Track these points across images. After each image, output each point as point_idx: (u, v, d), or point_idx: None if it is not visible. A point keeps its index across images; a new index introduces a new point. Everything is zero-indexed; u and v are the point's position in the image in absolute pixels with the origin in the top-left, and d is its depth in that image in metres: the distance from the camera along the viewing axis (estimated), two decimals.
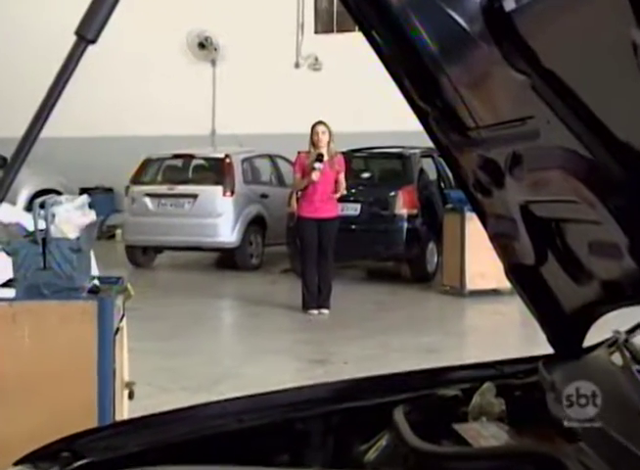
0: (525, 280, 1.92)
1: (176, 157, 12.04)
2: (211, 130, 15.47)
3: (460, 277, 9.08)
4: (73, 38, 1.19)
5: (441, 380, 1.99)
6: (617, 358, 1.72)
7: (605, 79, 1.28)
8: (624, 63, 1.15)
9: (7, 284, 3.03)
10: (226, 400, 1.94)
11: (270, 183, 12.28)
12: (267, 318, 8.30)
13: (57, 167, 13.87)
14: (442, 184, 10.74)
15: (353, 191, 9.79)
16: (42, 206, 2.90)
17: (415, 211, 10.04)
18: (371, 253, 10.24)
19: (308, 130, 8.16)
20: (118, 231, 13.21)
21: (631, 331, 1.87)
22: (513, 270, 1.96)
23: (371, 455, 1.77)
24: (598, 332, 1.96)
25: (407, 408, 1.78)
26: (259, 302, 9.04)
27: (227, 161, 11.33)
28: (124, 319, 3.20)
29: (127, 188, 11.59)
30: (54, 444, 1.68)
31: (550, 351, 1.98)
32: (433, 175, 10.92)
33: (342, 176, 8.17)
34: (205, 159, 12.13)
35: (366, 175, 10.99)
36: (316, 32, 15.20)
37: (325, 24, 15.19)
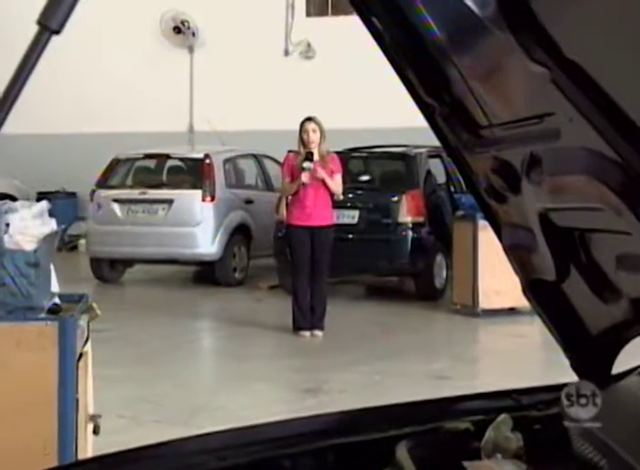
0: (546, 298, 1.93)
1: (149, 157, 12.06)
2: (189, 127, 15.50)
3: (472, 294, 9.09)
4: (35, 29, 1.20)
5: (451, 411, 2.00)
6: None
7: (635, 71, 1.29)
8: None
9: None
10: (206, 435, 1.94)
11: (256, 187, 12.30)
12: (252, 341, 8.30)
13: (11, 169, 13.87)
14: (452, 188, 10.78)
15: (351, 196, 9.80)
16: None
17: (421, 219, 10.07)
18: (371, 266, 10.25)
19: (298, 127, 8.18)
20: (82, 242, 13.21)
21: None
22: (531, 287, 1.97)
23: None
24: (628, 357, 1.97)
25: (411, 444, 1.79)
26: (243, 322, 9.04)
27: (207, 161, 11.36)
28: (89, 343, 3.20)
29: (92, 192, 11.60)
30: None
31: (574, 378, 1.98)
32: (441, 178, 10.95)
33: (337, 177, 8.20)
34: (182, 159, 12.15)
35: (365, 178, 11.03)
36: (308, 15, 15.27)
37: (318, 6, 15.26)
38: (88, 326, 3.16)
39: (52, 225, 3.03)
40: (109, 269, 11.61)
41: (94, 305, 3.23)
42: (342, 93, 13.97)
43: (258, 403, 5.97)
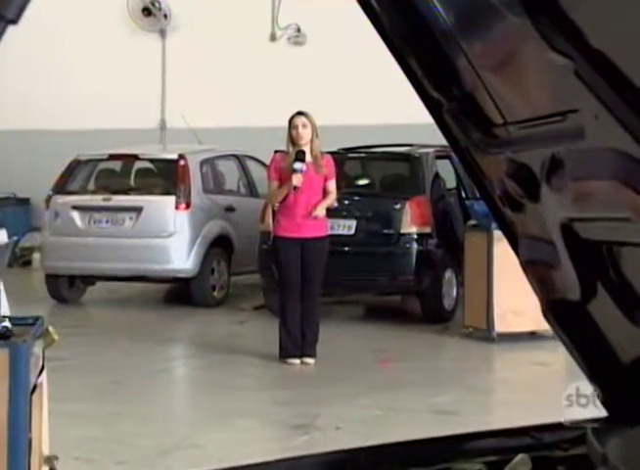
0: (569, 321, 1.94)
1: (114, 157, 12.05)
2: (160, 123, 15.51)
3: (486, 316, 9.10)
4: None
5: (461, 451, 2.00)
6: None
7: None
8: None
9: None
10: None
11: (238, 192, 12.31)
12: (233, 371, 8.29)
13: None
14: (464, 194, 10.80)
15: (347, 203, 9.82)
16: None
17: (427, 230, 10.08)
18: (370, 284, 10.26)
19: (287, 123, 8.19)
20: (36, 256, 13.17)
21: None
22: (553, 308, 1.98)
23: None
24: None
25: None
26: (223, 349, 9.03)
27: (181, 163, 11.36)
28: (44, 373, 3.20)
29: (48, 199, 11.58)
30: None
31: (602, 413, 1.99)
32: (451, 182, 10.97)
33: (331, 184, 8.20)
34: (153, 160, 12.15)
35: (363, 182, 11.04)
36: None
37: None
38: (43, 354, 3.16)
39: (1, 237, 3.03)
40: (67, 288, 11.58)
41: (50, 328, 3.22)
42: (337, 85, 14.00)
43: (240, 442, 5.95)
